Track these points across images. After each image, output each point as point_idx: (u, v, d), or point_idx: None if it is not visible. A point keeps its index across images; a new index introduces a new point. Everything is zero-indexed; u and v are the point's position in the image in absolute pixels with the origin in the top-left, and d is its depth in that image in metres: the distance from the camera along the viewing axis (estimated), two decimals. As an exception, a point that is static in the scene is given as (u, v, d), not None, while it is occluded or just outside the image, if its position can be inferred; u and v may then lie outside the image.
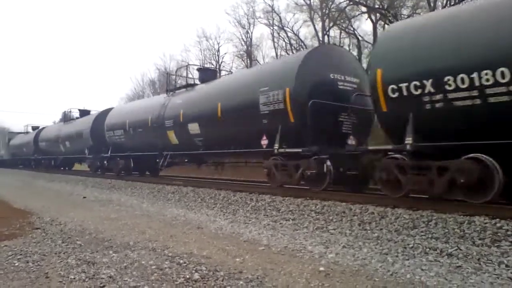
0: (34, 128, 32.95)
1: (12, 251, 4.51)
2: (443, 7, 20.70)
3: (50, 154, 26.24)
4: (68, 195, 12.08)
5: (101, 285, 3.39)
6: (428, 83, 5.95)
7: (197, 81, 13.82)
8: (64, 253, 4.50)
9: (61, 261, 4.13)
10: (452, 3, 19.93)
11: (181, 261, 4.12)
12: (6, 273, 3.74)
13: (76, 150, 21.37)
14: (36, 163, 29.93)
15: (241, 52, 34.91)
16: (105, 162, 17.99)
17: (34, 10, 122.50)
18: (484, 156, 5.52)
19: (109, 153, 17.17)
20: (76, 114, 24.00)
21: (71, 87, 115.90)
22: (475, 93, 5.50)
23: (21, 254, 4.39)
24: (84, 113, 23.58)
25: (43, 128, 29.76)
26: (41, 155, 28.20)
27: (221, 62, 37.43)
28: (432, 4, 21.54)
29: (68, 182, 17.06)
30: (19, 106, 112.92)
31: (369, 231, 5.51)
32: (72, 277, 3.60)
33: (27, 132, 33.62)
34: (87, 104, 72.20)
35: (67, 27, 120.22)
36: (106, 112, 18.74)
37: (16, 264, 4.03)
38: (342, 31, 27.87)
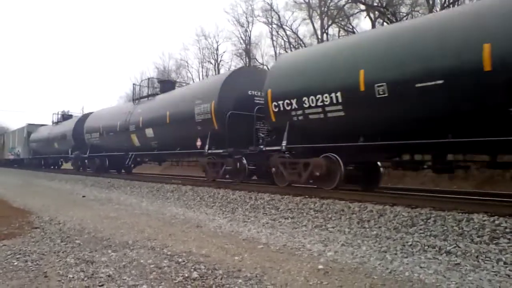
0: (65, 117, 24.47)
1: (11, 251, 4.51)
2: (442, 4, 20.68)
3: (108, 149, 17.58)
4: (68, 194, 12.07)
5: (100, 284, 3.39)
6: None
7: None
8: (63, 252, 4.50)
9: (60, 260, 4.13)
10: (451, 1, 19.91)
11: (180, 260, 4.12)
12: (5, 272, 3.74)
13: (167, 144, 13.27)
14: (77, 163, 21.46)
15: (240, 51, 34.97)
16: (252, 165, 10.51)
17: (32, 10, 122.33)
18: None
19: (283, 144, 8.76)
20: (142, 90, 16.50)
21: (70, 86, 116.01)
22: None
23: (20, 254, 4.39)
24: (167, 85, 15.95)
25: (89, 114, 20.71)
26: (89, 151, 19.00)
27: (220, 61, 37.49)
28: (431, 2, 21.50)
29: (68, 181, 17.03)
30: (17, 106, 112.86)
31: (367, 229, 5.52)
32: (71, 276, 3.60)
33: (58, 123, 24.60)
34: (85, 104, 72.01)
35: (66, 26, 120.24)
36: (247, 71, 11.29)
37: (15, 263, 4.03)
38: (341, 29, 27.85)
